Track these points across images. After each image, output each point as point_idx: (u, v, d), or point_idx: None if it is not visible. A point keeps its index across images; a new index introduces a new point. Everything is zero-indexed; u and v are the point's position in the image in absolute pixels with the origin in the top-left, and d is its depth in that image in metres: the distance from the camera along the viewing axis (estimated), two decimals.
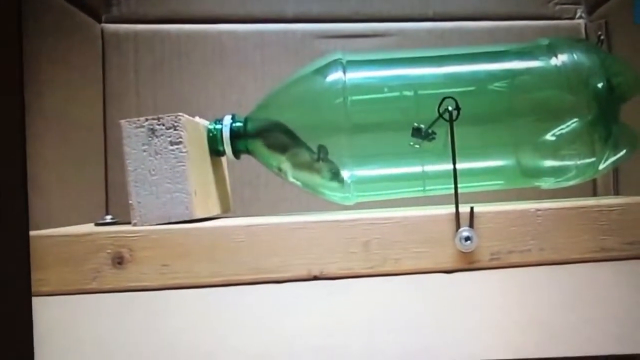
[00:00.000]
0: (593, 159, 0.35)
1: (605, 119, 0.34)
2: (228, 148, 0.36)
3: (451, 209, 0.31)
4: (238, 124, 0.36)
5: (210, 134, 0.36)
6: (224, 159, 0.41)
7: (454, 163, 0.32)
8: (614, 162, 0.36)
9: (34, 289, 0.22)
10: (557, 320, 0.23)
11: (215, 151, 0.37)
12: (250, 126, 0.36)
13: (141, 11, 0.48)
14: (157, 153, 0.31)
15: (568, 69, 0.35)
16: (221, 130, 0.36)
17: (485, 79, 0.36)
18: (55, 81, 0.39)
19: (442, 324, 0.24)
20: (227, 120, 0.36)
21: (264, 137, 0.36)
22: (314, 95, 0.36)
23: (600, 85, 0.34)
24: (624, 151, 0.36)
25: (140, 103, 0.47)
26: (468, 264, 0.31)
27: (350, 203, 0.37)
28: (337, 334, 0.23)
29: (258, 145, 0.37)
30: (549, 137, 0.35)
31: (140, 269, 0.30)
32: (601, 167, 0.36)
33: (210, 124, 0.37)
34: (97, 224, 0.34)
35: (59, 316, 0.27)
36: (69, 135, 0.41)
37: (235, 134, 0.36)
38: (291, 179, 0.37)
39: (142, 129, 0.32)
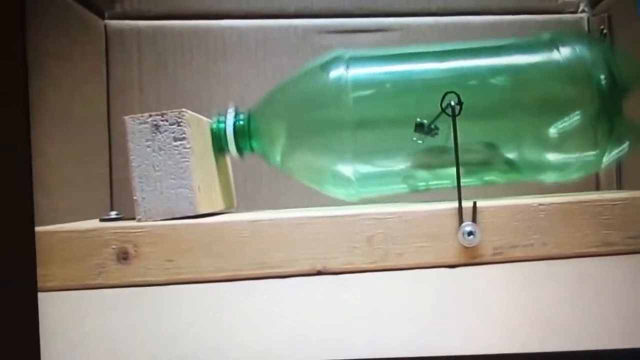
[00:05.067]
0: (596, 152, 0.35)
1: (608, 112, 0.34)
2: (232, 146, 0.36)
3: (454, 203, 0.31)
4: (241, 122, 0.37)
5: (214, 133, 0.37)
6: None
7: (457, 158, 0.32)
8: (617, 155, 0.36)
9: (39, 284, 0.22)
10: (560, 314, 0.23)
11: (219, 149, 0.37)
12: (253, 124, 0.37)
13: (144, 8, 0.48)
14: (160, 149, 0.32)
15: (570, 62, 0.35)
16: (224, 129, 0.36)
17: (488, 74, 0.36)
18: (58, 78, 0.39)
19: (445, 319, 0.24)
20: (230, 118, 0.37)
21: (269, 134, 0.37)
22: (316, 92, 0.36)
23: (602, 78, 0.34)
24: (627, 144, 0.36)
25: (144, 99, 0.48)
26: (471, 258, 0.31)
27: (355, 200, 0.37)
28: (340, 328, 0.23)
29: (262, 143, 0.37)
30: (552, 130, 0.35)
31: (144, 264, 0.30)
32: (604, 160, 0.36)
33: (213, 122, 0.37)
34: (101, 220, 0.34)
35: (65, 311, 0.27)
36: (73, 132, 0.41)
37: (238, 132, 0.36)
38: (297, 176, 0.37)
39: (146, 125, 0.32)
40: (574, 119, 0.34)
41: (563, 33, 0.38)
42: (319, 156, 0.36)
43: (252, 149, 0.37)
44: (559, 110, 0.35)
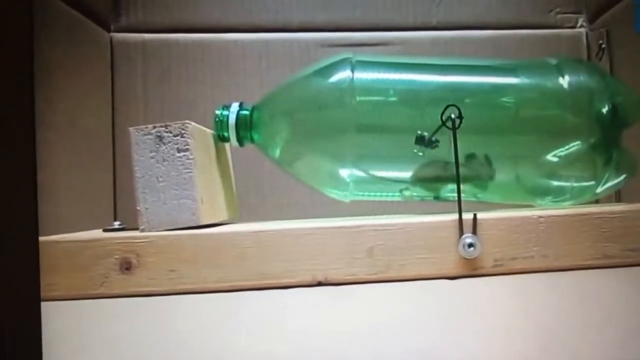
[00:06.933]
0: (592, 182, 0.35)
1: (607, 144, 0.34)
2: (233, 134, 0.37)
3: (454, 215, 0.31)
4: (245, 112, 0.37)
5: (217, 120, 0.37)
6: (230, 163, 0.42)
7: (457, 170, 0.32)
8: (612, 187, 0.36)
9: (43, 293, 0.22)
10: (560, 326, 0.24)
11: (221, 137, 0.37)
12: (256, 115, 0.37)
13: (149, 21, 0.49)
14: (164, 160, 0.32)
15: (574, 90, 0.35)
16: (228, 117, 0.37)
17: (491, 92, 0.36)
18: (64, 89, 0.40)
19: (445, 330, 0.24)
20: (235, 107, 0.37)
21: (271, 127, 0.37)
22: (320, 92, 0.36)
23: (604, 109, 0.34)
24: (623, 176, 0.36)
25: (148, 111, 0.48)
26: (471, 270, 0.31)
27: (347, 200, 0.37)
28: (341, 339, 0.23)
29: (262, 135, 0.37)
30: (550, 156, 0.35)
31: (147, 274, 0.30)
32: (599, 190, 0.36)
33: (217, 109, 0.37)
34: (105, 230, 0.34)
35: (68, 321, 0.27)
36: (78, 143, 0.42)
37: (240, 122, 0.37)
38: (293, 171, 0.37)
39: (150, 136, 0.32)
40: (572, 147, 0.34)
41: (569, 60, 0.38)
42: (317, 155, 0.36)
43: (252, 140, 0.37)
44: (559, 136, 0.35)
